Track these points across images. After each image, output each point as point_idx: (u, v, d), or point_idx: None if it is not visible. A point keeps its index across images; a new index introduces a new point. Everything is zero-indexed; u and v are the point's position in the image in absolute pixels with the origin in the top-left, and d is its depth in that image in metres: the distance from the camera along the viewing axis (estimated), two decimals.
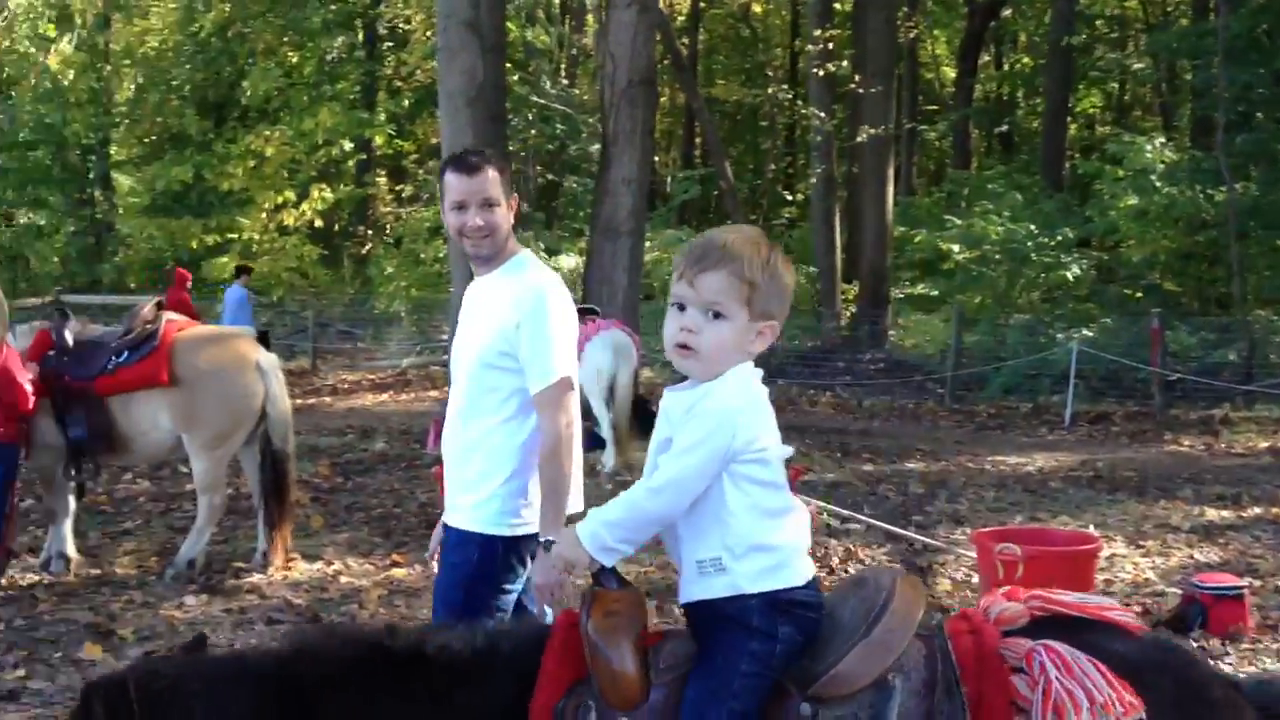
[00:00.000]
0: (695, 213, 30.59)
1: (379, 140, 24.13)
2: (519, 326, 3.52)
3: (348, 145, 24.67)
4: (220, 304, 21.62)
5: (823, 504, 8.20)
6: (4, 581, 7.31)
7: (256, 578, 7.38)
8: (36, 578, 7.54)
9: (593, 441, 11.33)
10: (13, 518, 7.53)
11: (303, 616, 6.59)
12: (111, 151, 26.39)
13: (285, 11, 22.80)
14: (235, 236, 23.22)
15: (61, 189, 24.61)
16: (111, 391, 7.24)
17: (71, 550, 7.71)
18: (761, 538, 2.42)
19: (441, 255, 22.28)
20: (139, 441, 7.41)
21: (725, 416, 2.37)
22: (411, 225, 23.99)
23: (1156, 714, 2.24)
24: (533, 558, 3.45)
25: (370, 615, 6.63)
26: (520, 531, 3.59)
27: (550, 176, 27.19)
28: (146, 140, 25.37)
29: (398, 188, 27.92)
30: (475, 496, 3.63)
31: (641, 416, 11.76)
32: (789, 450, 2.52)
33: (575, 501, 3.69)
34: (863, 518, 8.23)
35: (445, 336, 17.94)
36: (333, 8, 23.71)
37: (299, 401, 14.85)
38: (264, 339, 14.86)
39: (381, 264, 23.97)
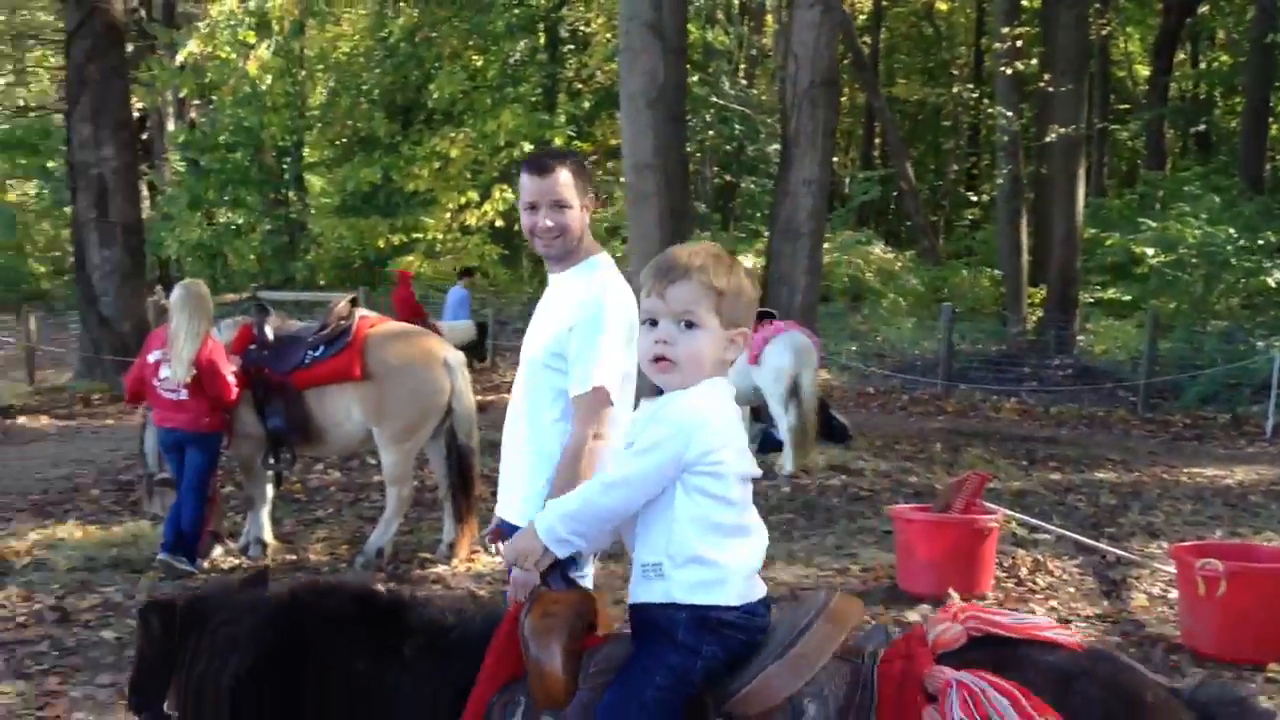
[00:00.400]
0: (874, 214, 30.20)
1: (558, 141, 24.45)
2: (572, 329, 3.50)
3: (527, 146, 25.08)
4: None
5: (1010, 513, 7.98)
6: (206, 564, 7.66)
7: (441, 568, 7.56)
8: (236, 561, 7.87)
9: (770, 443, 11.30)
10: (215, 503, 7.90)
11: (483, 608, 6.70)
12: (305, 153, 27.35)
13: (470, 16, 23.29)
14: (420, 236, 23.82)
15: (258, 189, 25.56)
16: (307, 384, 7.50)
17: (269, 536, 8.03)
18: (703, 551, 2.41)
19: (619, 255, 22.49)
20: (332, 433, 7.67)
21: (684, 425, 2.38)
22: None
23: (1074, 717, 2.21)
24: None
25: None
26: None
27: (727, 177, 27.17)
28: (338, 143, 26.22)
29: None
30: (523, 492, 3.60)
31: (825, 420, 11.71)
32: (755, 471, 2.50)
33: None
34: (1052, 528, 7.98)
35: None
36: (516, 11, 24.12)
37: (479, 398, 15.17)
38: (482, 330, 15.16)
39: (471, 261, 24.30)
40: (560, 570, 2.51)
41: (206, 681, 2.63)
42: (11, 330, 20.30)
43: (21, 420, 14.30)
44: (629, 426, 2.56)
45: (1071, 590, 7.14)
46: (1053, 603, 6.83)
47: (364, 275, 23.99)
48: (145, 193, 24.29)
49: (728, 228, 26.54)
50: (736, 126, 24.99)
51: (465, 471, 7.72)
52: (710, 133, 24.60)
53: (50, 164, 25.63)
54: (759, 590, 2.51)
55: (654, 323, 2.44)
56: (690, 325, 2.40)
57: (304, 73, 25.28)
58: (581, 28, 26.52)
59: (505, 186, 23.64)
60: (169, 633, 2.76)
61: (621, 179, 19.11)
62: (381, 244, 23.59)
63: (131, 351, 16.18)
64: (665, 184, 12.49)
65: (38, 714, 5.22)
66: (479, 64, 24.14)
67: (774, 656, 2.35)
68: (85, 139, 17.00)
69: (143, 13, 23.26)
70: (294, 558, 7.93)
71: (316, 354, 7.52)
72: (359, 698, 2.53)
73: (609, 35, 23.89)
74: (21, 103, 28.64)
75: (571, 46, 27.25)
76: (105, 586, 7.25)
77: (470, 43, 23.98)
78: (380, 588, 2.99)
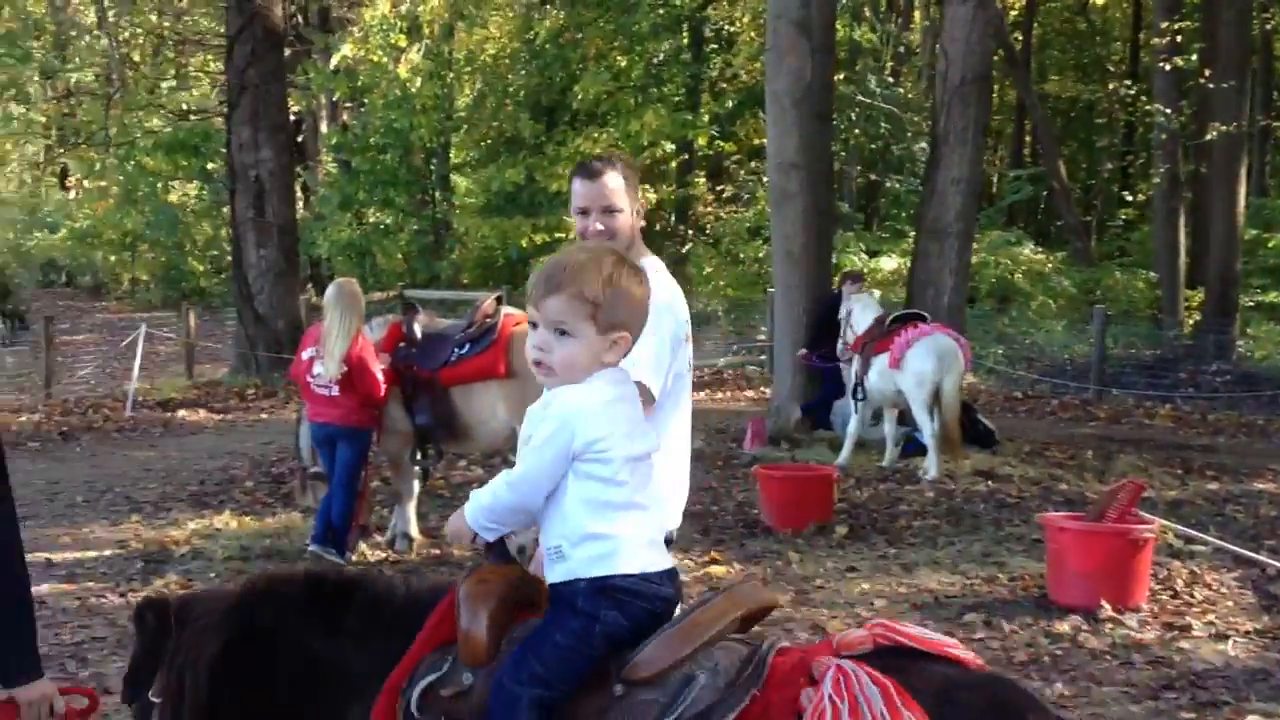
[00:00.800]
0: (1024, 213, 29.50)
1: (701, 141, 24.42)
2: None
3: (670, 146, 25.11)
4: None
5: (1166, 523, 7.71)
6: (354, 556, 7.83)
7: None
8: (383, 554, 8.03)
9: (913, 447, 11.11)
10: (365, 497, 8.07)
11: None
12: (451, 154, 27.82)
13: (616, 17, 23.42)
14: (562, 236, 24.02)
15: (407, 190, 26.06)
16: (454, 382, 7.62)
17: (415, 531, 8.17)
18: (595, 528, 2.53)
19: (761, 255, 22.38)
20: (478, 430, 7.76)
21: (568, 418, 2.51)
22: (731, 225, 24.18)
23: None
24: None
25: None
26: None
27: (872, 176, 26.82)
28: (483, 144, 26.60)
29: (718, 188, 28.21)
30: None
31: (970, 424, 11.47)
32: (647, 449, 2.62)
33: (674, 518, 3.68)
34: (1210, 539, 7.69)
35: (762, 337, 18.00)
36: (661, 12, 24.17)
37: None
38: None
39: (700, 263, 24.29)
40: (498, 548, 2.68)
41: (185, 670, 2.82)
42: (172, 326, 21.06)
43: (181, 413, 14.83)
44: (528, 422, 2.66)
45: (1230, 604, 6.86)
46: (1210, 616, 6.57)
47: (506, 274, 24.28)
48: (299, 193, 24.97)
49: (871, 227, 26.20)
50: (883, 125, 24.65)
51: None
52: (855, 131, 24.29)
53: (210, 166, 26.49)
54: (661, 561, 2.61)
55: (535, 326, 2.59)
56: (564, 334, 2.54)
57: (452, 75, 25.69)
58: (726, 27, 26.44)
59: (647, 187, 23.72)
60: (162, 628, 2.92)
61: (764, 179, 19.01)
62: (524, 243, 23.84)
63: (285, 348, 16.69)
64: (810, 184, 12.36)
65: None
66: (623, 64, 24.25)
67: (667, 626, 2.49)
68: (244, 141, 17.56)
69: (300, 18, 23.91)
70: (438, 552, 8.06)
71: (463, 351, 7.62)
72: (314, 671, 2.73)
73: (754, 34, 23.78)
74: (185, 107, 29.66)
75: (716, 46, 27.17)
76: None
77: (615, 43, 24.10)
78: (332, 570, 3.27)
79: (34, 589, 3.95)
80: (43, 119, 35.02)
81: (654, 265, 3.69)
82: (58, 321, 17.77)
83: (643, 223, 3.77)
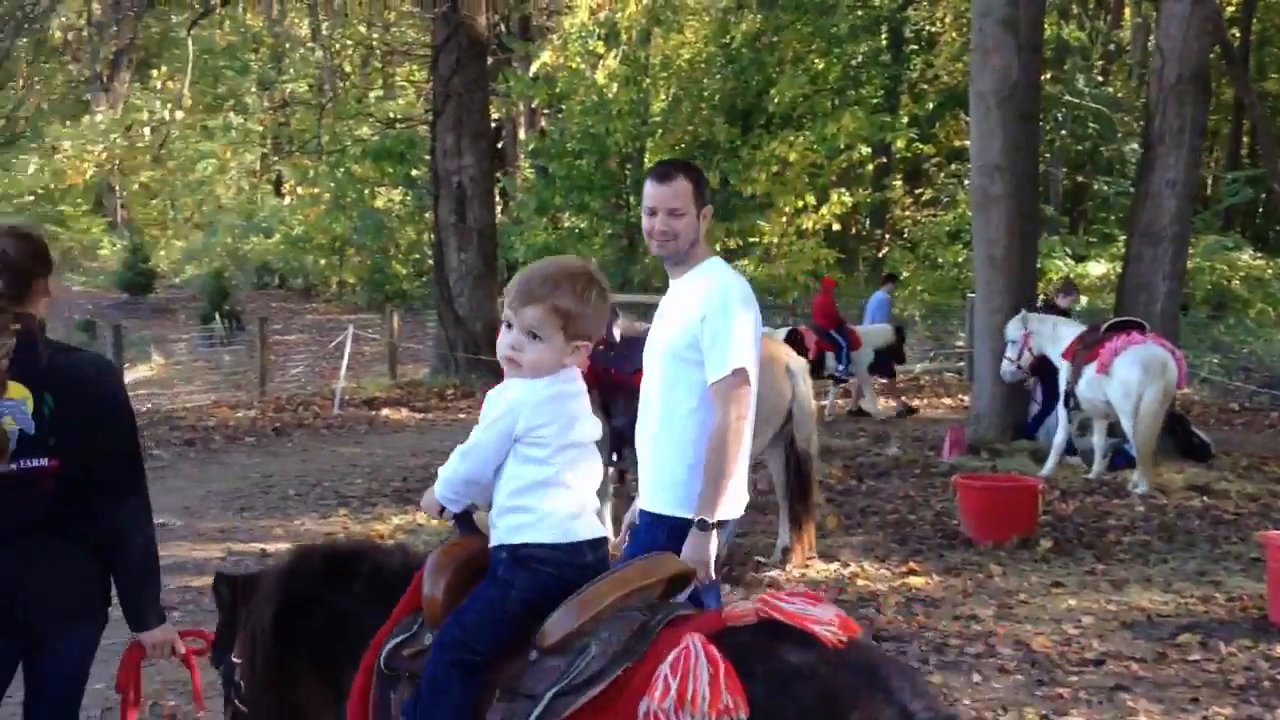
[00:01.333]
0: (1242, 217, 28.09)
1: (900, 144, 24.00)
2: (704, 320, 3.79)
3: (866, 150, 24.77)
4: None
5: None
6: None
7: (775, 573, 7.53)
8: None
9: (1121, 459, 10.67)
10: None
11: None
12: (646, 159, 28.03)
13: (814, 19, 23.21)
14: (755, 240, 23.94)
15: (601, 195, 26.35)
16: None
17: (610, 532, 8.22)
18: (519, 501, 2.82)
19: (960, 260, 21.88)
20: None
21: (514, 406, 2.81)
22: (929, 229, 23.72)
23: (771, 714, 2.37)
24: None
25: (888, 621, 6.56)
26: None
27: (1079, 179, 25.92)
28: (678, 148, 26.72)
29: (916, 191, 27.72)
30: (661, 481, 3.90)
31: (1185, 437, 10.97)
32: (584, 438, 2.88)
33: (738, 504, 3.90)
34: None
35: (961, 343, 17.57)
36: (860, 13, 23.88)
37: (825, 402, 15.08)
38: (899, 334, 15.14)
39: (896, 268, 23.88)
40: (464, 521, 2.98)
41: (254, 631, 3.24)
42: (377, 328, 21.77)
43: (385, 412, 15.31)
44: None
45: None
46: None
47: None
48: (498, 199, 25.53)
49: (1077, 231, 25.32)
50: (1090, 125, 23.80)
51: (804, 477, 7.65)
52: (1062, 132, 23.52)
53: (414, 172, 27.29)
54: (583, 533, 2.85)
55: (510, 326, 2.87)
56: (536, 338, 2.82)
57: (648, 80, 25.88)
58: (927, 27, 25.94)
59: (843, 190, 23.45)
60: (235, 600, 3.39)
61: (965, 181, 18.56)
62: (717, 247, 23.81)
63: (483, 349, 17.07)
64: (1014, 186, 11.99)
65: None
66: (820, 67, 24.03)
67: (573, 596, 2.70)
68: (448, 148, 18.03)
69: (502, 27, 24.42)
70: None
71: None
72: (337, 626, 3.12)
73: (955, 34, 23.26)
74: (391, 115, 30.65)
75: (916, 46, 26.70)
76: None
77: (812, 46, 23.90)
78: (348, 543, 3.72)
79: None
80: (260, 128, 36.74)
81: (723, 263, 4.05)
82: (271, 322, 18.57)
83: (707, 225, 3.99)
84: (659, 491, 3.92)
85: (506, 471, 2.84)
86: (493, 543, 2.86)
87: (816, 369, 14.86)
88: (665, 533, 3.81)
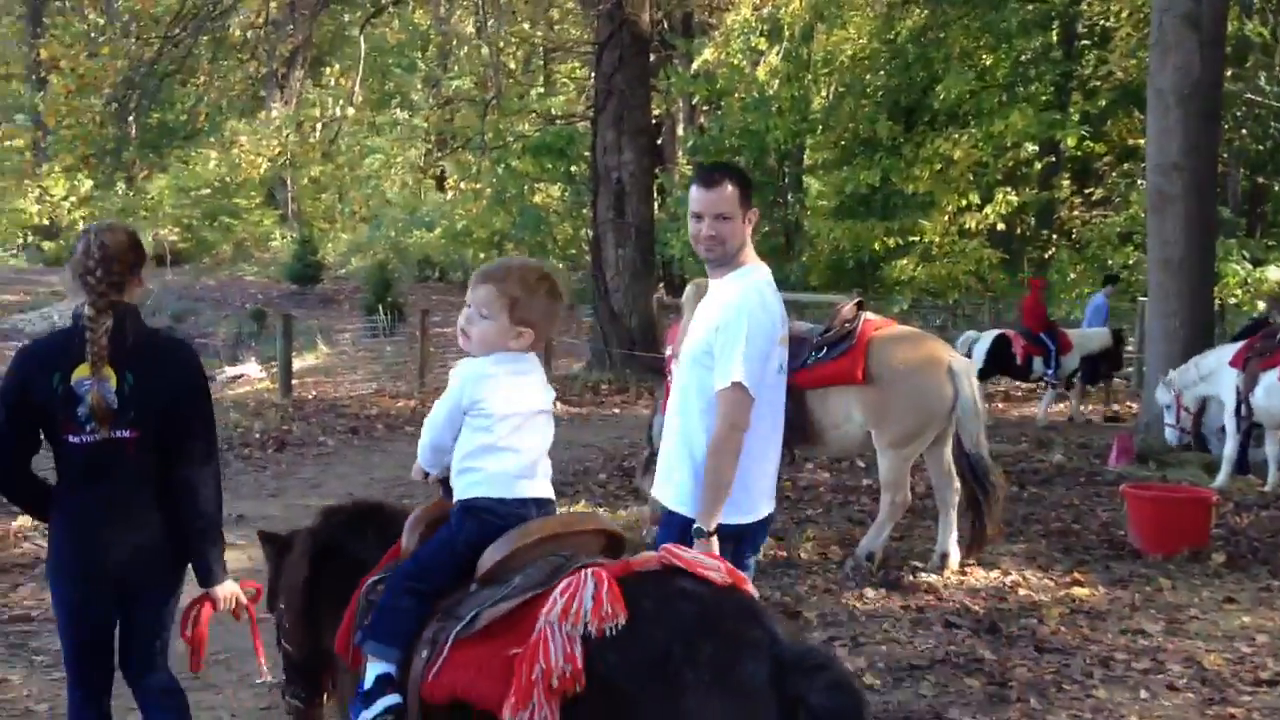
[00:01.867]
0: None
1: (1070, 142, 23.28)
2: (717, 330, 3.92)
3: (1033, 148, 24.11)
4: (895, 307, 21.99)
5: None
6: None
7: (934, 578, 7.37)
8: None
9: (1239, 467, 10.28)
10: None
11: (980, 624, 6.46)
12: (805, 157, 27.78)
13: (982, 14, 22.67)
14: (916, 239, 23.52)
15: (758, 192, 26.20)
16: (810, 385, 7.52)
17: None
18: (470, 463, 3.28)
19: (1131, 262, 21.15)
20: (831, 434, 7.65)
21: (464, 381, 3.29)
22: (1099, 230, 22.97)
23: (659, 627, 2.75)
24: (738, 539, 3.97)
25: (1051, 632, 6.36)
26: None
27: (1258, 180, 24.81)
28: (838, 145, 26.41)
29: (1086, 191, 26.89)
30: (668, 477, 4.09)
31: None
32: (528, 409, 3.31)
33: (753, 509, 4.04)
34: None
35: (1130, 348, 16.98)
36: (1030, 8, 23.24)
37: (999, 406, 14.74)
38: (1117, 338, 14.82)
39: (1063, 269, 23.21)
40: (446, 485, 3.41)
41: (293, 581, 3.72)
42: None
43: None
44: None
45: None
46: None
47: (856, 277, 24.00)
48: (655, 195, 25.60)
49: (1255, 235, 24.25)
50: (1272, 125, 22.75)
51: (981, 480, 7.46)
52: (1242, 132, 22.54)
53: (573, 169, 27.56)
54: (526, 491, 3.30)
55: (469, 305, 3.34)
56: (484, 316, 3.30)
57: (810, 77, 25.63)
58: (1101, 22, 25.11)
59: (1009, 189, 22.87)
60: (280, 554, 3.84)
61: (1140, 181, 17.92)
62: (877, 246, 23.48)
63: (638, 345, 17.13)
64: (1193, 187, 11.53)
65: None
66: (988, 63, 23.47)
67: (501, 539, 3.15)
68: (608, 144, 18.14)
69: (665, 24, 24.45)
70: (784, 554, 8.01)
71: (820, 355, 7.52)
72: (351, 571, 3.47)
73: (1131, 30, 22.46)
74: (552, 112, 31.00)
75: (1088, 42, 25.89)
76: None
77: (980, 41, 23.34)
78: (363, 501, 4.12)
79: None
80: (425, 125, 37.50)
81: (757, 271, 4.10)
82: (431, 314, 18.93)
83: (751, 229, 4.10)
84: (664, 486, 4.14)
85: (460, 439, 3.32)
86: (454, 500, 3.33)
87: (1024, 373, 14.52)
88: (675, 527, 3.96)
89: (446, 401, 3.32)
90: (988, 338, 14.55)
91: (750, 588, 3.06)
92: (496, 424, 3.25)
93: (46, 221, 37.25)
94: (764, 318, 3.94)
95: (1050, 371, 14.31)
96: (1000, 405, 15.96)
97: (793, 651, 2.74)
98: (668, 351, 7.75)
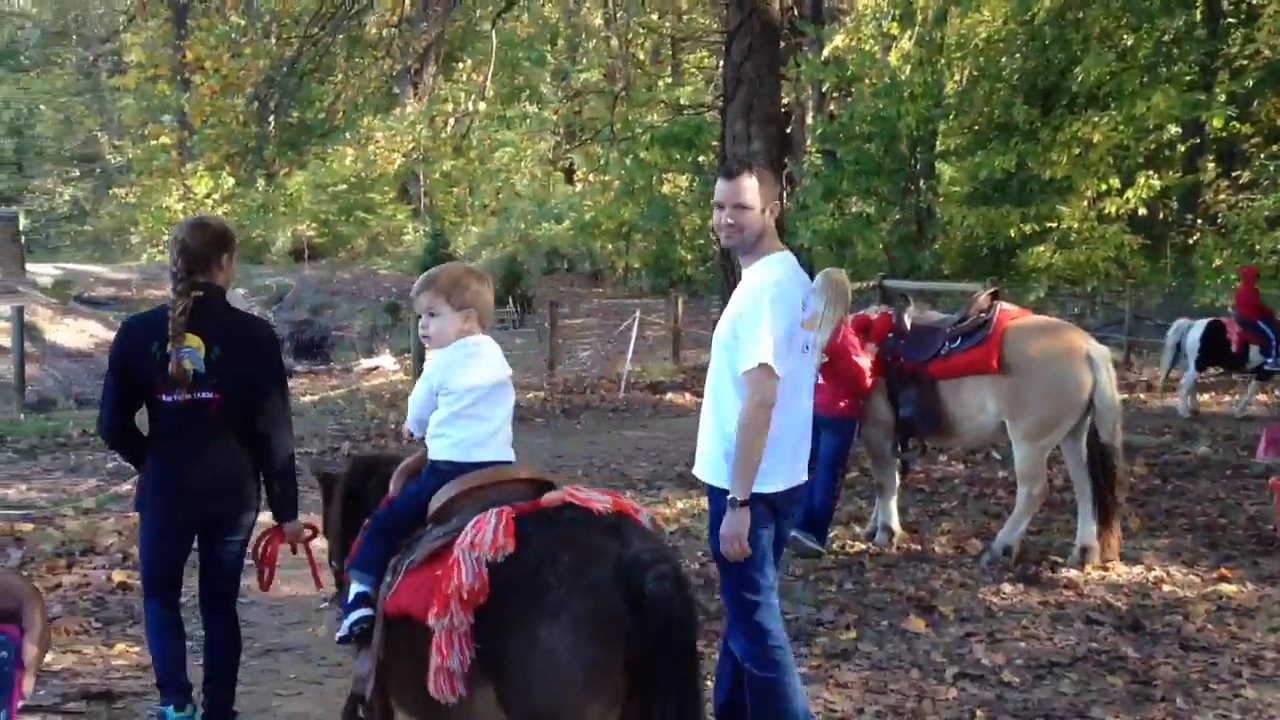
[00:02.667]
0: None
1: (1215, 123, 22.44)
2: (740, 315, 4.19)
3: (1176, 130, 23.32)
4: (1032, 295, 21.51)
5: None
6: (833, 546, 7.84)
7: (1073, 574, 7.18)
8: (863, 546, 7.96)
9: None
10: (837, 492, 8.05)
11: (1123, 621, 6.27)
12: (938, 142, 27.29)
13: None
14: (1053, 225, 22.93)
15: (890, 179, 25.83)
16: (943, 375, 7.41)
17: (896, 524, 8.04)
18: (440, 429, 3.86)
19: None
20: (964, 425, 7.52)
21: (434, 369, 3.89)
22: (1248, 214, 22.11)
23: (533, 548, 3.34)
24: (774, 510, 4.28)
25: (1197, 630, 6.15)
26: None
27: None
28: (972, 130, 25.89)
29: (1233, 174, 25.92)
30: (702, 453, 4.40)
31: None
32: (487, 380, 3.87)
33: (784, 478, 4.29)
34: None
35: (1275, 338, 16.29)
36: None
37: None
38: None
39: (1208, 255, 22.41)
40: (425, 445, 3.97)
41: (330, 515, 4.46)
42: (661, 312, 22.08)
43: (669, 396, 15.50)
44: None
45: None
46: None
47: (991, 265, 23.50)
48: (784, 184, 25.40)
49: None
50: None
51: (1108, 472, 7.26)
52: None
53: (701, 158, 27.51)
54: (482, 455, 3.83)
55: (419, 315, 4.00)
56: (433, 315, 3.91)
57: (943, 61, 25.16)
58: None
59: (1151, 173, 22.17)
60: (330, 491, 4.46)
61: None
62: (1012, 233, 22.95)
63: None
64: None
65: None
66: (1129, 43, 22.76)
67: (443, 488, 3.79)
68: (737, 134, 18.02)
69: (795, 11, 24.23)
70: (918, 547, 7.90)
71: (954, 345, 7.41)
72: (363, 510, 4.11)
73: (1279, 7, 21.58)
74: (680, 101, 31.01)
75: (1234, 20, 24.95)
76: None
77: (1121, 21, 22.64)
78: (383, 451, 5.12)
79: None
80: (554, 117, 37.83)
81: (780, 258, 4.33)
82: (559, 306, 19.08)
83: (774, 220, 4.35)
84: (701, 461, 4.43)
85: (435, 412, 3.88)
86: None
87: (1239, 363, 13.99)
88: (714, 500, 4.35)
89: (423, 385, 3.92)
90: (1200, 326, 14.07)
91: (640, 516, 3.54)
92: (461, 397, 3.84)
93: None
94: (784, 302, 4.17)
95: (1270, 360, 13.67)
96: (1142, 396, 15.50)
97: (635, 552, 3.30)
98: None
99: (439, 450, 3.85)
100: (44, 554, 7.39)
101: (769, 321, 4.09)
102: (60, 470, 10.72)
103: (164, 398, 4.35)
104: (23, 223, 32.89)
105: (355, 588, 3.80)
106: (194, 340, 4.34)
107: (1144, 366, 18.58)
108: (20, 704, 1.34)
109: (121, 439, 4.54)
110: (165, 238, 39.32)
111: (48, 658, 5.52)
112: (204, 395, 4.36)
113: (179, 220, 37.78)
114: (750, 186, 4.22)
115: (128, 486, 9.30)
